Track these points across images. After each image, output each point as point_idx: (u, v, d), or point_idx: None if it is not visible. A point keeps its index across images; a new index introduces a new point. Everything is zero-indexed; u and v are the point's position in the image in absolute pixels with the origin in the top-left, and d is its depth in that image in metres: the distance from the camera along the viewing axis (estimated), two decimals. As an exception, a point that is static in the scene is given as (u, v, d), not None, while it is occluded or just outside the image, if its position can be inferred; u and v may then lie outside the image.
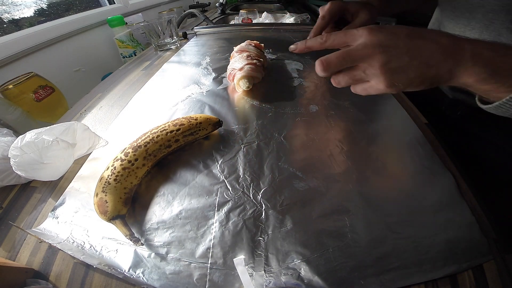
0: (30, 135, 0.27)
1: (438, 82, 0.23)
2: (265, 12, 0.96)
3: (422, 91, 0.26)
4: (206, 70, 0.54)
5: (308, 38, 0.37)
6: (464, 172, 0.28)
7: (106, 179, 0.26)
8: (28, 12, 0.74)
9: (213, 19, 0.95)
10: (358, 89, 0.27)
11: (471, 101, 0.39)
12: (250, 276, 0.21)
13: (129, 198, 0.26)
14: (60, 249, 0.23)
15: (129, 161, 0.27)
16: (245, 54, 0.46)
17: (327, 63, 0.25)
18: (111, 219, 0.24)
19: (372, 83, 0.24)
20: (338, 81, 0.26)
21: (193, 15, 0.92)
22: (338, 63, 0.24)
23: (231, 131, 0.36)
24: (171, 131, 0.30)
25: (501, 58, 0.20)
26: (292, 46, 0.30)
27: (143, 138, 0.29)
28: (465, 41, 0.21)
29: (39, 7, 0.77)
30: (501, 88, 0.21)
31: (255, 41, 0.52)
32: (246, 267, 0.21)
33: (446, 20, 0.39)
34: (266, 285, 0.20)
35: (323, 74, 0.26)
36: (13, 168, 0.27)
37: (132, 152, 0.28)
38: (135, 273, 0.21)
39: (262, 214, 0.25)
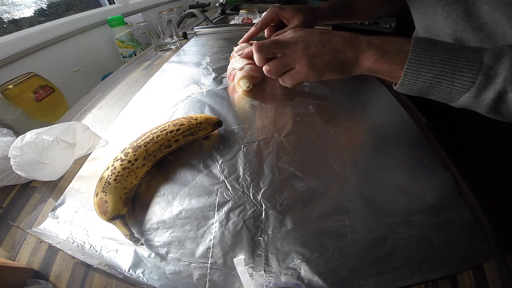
0: (30, 135, 0.27)
1: (348, 66, 0.29)
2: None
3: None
4: (206, 70, 0.54)
5: (239, 42, 0.50)
6: (464, 172, 0.28)
7: (106, 179, 0.26)
8: (28, 12, 0.74)
9: (213, 19, 0.95)
10: (285, 78, 0.32)
11: None
12: (250, 276, 0.21)
13: (129, 198, 0.26)
14: (60, 249, 0.23)
15: (129, 161, 0.27)
16: (245, 54, 0.46)
17: (261, 44, 0.31)
18: (111, 219, 0.24)
19: (298, 68, 0.30)
20: (269, 68, 0.32)
21: (193, 15, 0.92)
22: (270, 45, 0.31)
23: (231, 131, 0.36)
24: (171, 131, 0.30)
25: (387, 43, 0.27)
26: (241, 55, 0.39)
27: (143, 138, 0.29)
28: (361, 35, 0.29)
29: (39, 7, 0.77)
30: (394, 66, 0.27)
31: (255, 41, 0.52)
32: (246, 267, 0.21)
33: (419, 16, 0.44)
34: (266, 285, 0.20)
35: (257, 55, 0.32)
36: (13, 168, 0.27)
37: (132, 152, 0.28)
38: (135, 273, 0.21)
39: (262, 214, 0.25)
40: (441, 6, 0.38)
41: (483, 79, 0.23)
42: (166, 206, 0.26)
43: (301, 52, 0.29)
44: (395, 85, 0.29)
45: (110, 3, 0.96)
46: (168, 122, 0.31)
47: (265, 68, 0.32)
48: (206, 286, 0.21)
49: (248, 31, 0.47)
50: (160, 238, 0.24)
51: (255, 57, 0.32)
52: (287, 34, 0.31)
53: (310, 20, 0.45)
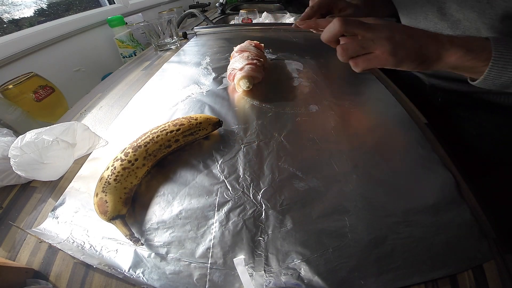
0: (30, 135, 0.27)
1: (429, 60, 0.29)
2: (265, 12, 0.96)
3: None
4: (206, 70, 0.54)
5: (298, 20, 0.43)
6: (464, 172, 0.28)
7: (106, 179, 0.26)
8: (28, 12, 0.74)
9: (213, 19, 0.95)
10: (360, 61, 0.30)
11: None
12: (250, 276, 0.21)
13: (129, 198, 0.26)
14: (60, 249, 0.23)
15: (129, 161, 0.27)
16: (245, 54, 0.46)
17: (346, 20, 0.30)
18: (111, 219, 0.24)
19: (377, 52, 0.29)
20: (346, 47, 0.30)
21: (193, 15, 0.92)
22: (354, 24, 0.30)
23: (231, 131, 0.36)
24: (171, 131, 0.30)
25: (471, 41, 0.28)
26: (298, 21, 0.36)
27: (143, 138, 0.29)
28: (441, 34, 0.29)
29: (39, 7, 0.77)
30: (479, 63, 0.27)
31: (255, 41, 0.52)
32: (246, 267, 0.21)
33: (403, 18, 0.47)
34: (266, 285, 0.20)
35: (337, 27, 0.30)
36: (13, 168, 0.27)
37: (132, 152, 0.28)
38: (135, 273, 0.21)
39: (262, 214, 0.25)
40: (419, 7, 0.40)
41: None
42: (166, 206, 0.26)
43: (386, 39, 0.29)
44: (472, 80, 0.30)
45: (110, 3, 0.96)
46: (168, 122, 0.31)
47: (341, 47, 0.31)
48: (206, 286, 0.21)
49: (302, 15, 0.43)
50: (160, 238, 0.24)
51: (331, 30, 0.31)
52: (368, 19, 0.31)
53: (359, 16, 0.45)
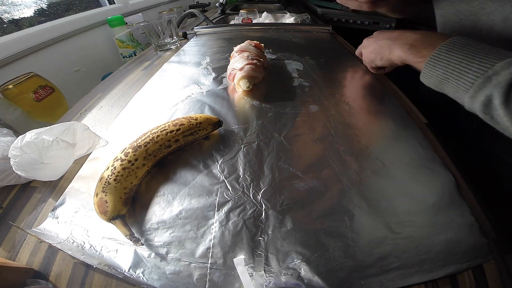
0: (30, 135, 0.27)
1: (385, 55, 0.38)
2: (265, 12, 0.96)
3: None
4: (206, 70, 0.54)
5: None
6: (464, 172, 0.28)
7: (106, 179, 0.26)
8: (28, 12, 0.74)
9: (213, 19, 0.95)
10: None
11: None
12: (250, 276, 0.21)
13: (129, 198, 0.26)
14: (60, 249, 0.23)
15: (129, 161, 0.27)
16: (245, 54, 0.46)
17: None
18: (111, 219, 0.24)
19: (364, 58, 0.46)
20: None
21: (193, 15, 0.92)
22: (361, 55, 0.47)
23: (231, 131, 0.36)
24: (171, 131, 0.30)
25: (423, 38, 0.32)
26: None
27: (143, 138, 0.29)
28: (409, 32, 0.34)
29: (39, 7, 0.77)
30: (418, 58, 0.31)
31: (255, 41, 0.52)
32: (246, 267, 0.21)
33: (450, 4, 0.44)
34: (266, 285, 0.20)
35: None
36: (13, 168, 0.27)
37: (132, 152, 0.28)
38: (135, 273, 0.21)
39: (262, 214, 0.25)
40: None
41: (482, 82, 0.23)
42: (166, 206, 0.26)
43: (365, 50, 0.44)
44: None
45: (110, 3, 0.96)
46: (168, 122, 0.31)
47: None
48: (206, 286, 0.21)
49: None
50: (160, 238, 0.24)
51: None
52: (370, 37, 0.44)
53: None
